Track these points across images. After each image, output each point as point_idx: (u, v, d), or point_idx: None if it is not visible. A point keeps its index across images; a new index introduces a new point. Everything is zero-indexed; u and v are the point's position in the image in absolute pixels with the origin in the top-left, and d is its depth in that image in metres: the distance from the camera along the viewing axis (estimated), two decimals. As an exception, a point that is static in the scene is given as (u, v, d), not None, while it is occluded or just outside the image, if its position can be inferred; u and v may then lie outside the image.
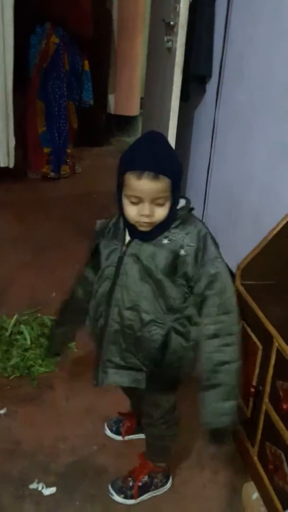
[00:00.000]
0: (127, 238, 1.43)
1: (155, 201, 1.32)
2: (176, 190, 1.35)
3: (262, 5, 2.32)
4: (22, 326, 2.39)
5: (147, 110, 3.87)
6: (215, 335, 1.37)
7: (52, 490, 1.71)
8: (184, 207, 1.41)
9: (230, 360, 1.37)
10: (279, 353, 1.51)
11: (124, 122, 5.73)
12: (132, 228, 1.39)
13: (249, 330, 1.73)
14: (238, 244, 2.47)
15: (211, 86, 2.95)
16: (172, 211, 1.37)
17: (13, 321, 2.42)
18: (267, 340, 1.58)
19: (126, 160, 1.32)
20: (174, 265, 1.38)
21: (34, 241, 3.37)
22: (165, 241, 1.39)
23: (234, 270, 1.77)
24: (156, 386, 1.50)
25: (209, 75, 2.95)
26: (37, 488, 1.71)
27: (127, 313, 1.42)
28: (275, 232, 1.71)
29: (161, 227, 1.38)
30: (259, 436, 1.67)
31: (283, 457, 1.49)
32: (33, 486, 1.71)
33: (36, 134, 4.40)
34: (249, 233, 2.40)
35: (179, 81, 2.82)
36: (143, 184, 1.29)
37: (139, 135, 4.66)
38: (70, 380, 2.14)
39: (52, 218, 3.75)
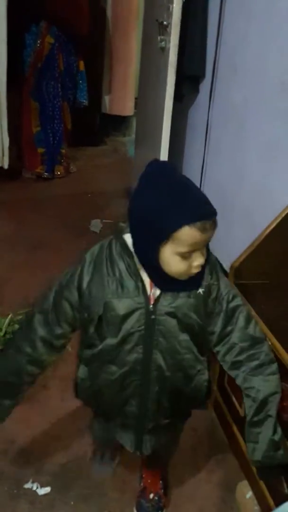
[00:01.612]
0: (148, 288, 1.21)
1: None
2: None
3: (255, 2, 2.32)
4: (16, 325, 2.39)
5: (141, 110, 3.87)
6: (260, 365, 1.31)
7: (47, 489, 1.71)
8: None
9: (277, 390, 1.32)
10: (272, 352, 1.51)
11: (119, 122, 5.72)
12: (161, 278, 1.18)
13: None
14: (231, 243, 2.47)
15: (205, 85, 2.95)
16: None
17: (7, 320, 2.42)
18: (260, 339, 1.59)
19: (179, 210, 1.06)
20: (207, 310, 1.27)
21: (29, 240, 3.36)
22: (201, 290, 1.23)
23: (227, 269, 1.77)
24: (180, 426, 1.56)
25: (202, 75, 2.95)
26: (32, 487, 1.71)
27: (171, 375, 1.29)
28: (268, 231, 1.72)
29: (202, 271, 1.21)
30: (252, 435, 1.67)
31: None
32: (27, 485, 1.71)
33: (31, 134, 4.39)
34: (242, 232, 2.41)
35: (172, 81, 2.82)
36: (206, 235, 1.10)
37: (133, 135, 4.68)
38: (64, 380, 2.14)
39: (46, 218, 3.74)
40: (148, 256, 1.15)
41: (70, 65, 4.34)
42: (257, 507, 1.64)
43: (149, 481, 1.70)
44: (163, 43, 2.86)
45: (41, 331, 1.32)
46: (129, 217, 1.16)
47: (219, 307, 1.28)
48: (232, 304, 1.30)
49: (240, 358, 1.31)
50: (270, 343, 1.52)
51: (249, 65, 2.41)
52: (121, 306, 1.21)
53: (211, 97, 2.85)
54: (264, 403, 1.30)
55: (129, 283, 1.20)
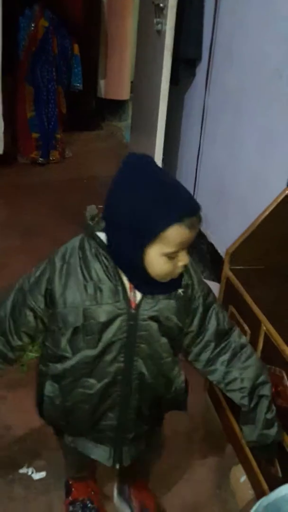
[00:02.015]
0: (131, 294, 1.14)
1: None
2: None
3: (252, -13, 2.29)
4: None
5: (137, 94, 3.84)
6: (233, 355, 1.29)
7: (42, 474, 1.72)
8: None
9: (260, 372, 1.30)
10: (266, 337, 1.52)
11: (115, 107, 5.68)
12: (142, 280, 1.12)
13: (237, 314, 1.73)
14: (228, 229, 2.47)
15: (201, 70, 2.92)
16: None
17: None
18: (255, 324, 1.59)
19: (167, 208, 1.01)
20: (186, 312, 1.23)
21: (24, 226, 3.35)
22: (180, 291, 1.18)
23: (223, 255, 1.76)
24: (159, 428, 1.46)
25: (198, 58, 2.92)
26: (27, 472, 1.71)
27: (154, 381, 1.23)
28: (263, 217, 1.71)
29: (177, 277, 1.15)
30: (247, 420, 1.68)
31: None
32: (23, 470, 1.72)
33: (25, 119, 4.35)
34: (238, 218, 2.40)
35: (168, 64, 2.80)
36: (194, 231, 1.05)
37: (129, 120, 4.64)
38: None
39: (42, 203, 3.72)
40: (132, 258, 1.07)
41: (64, 49, 4.29)
42: (251, 491, 1.65)
43: (141, 495, 1.62)
44: (159, 25, 2.82)
45: None
46: (108, 216, 1.09)
47: (195, 305, 1.23)
48: (207, 301, 1.25)
49: (214, 353, 1.29)
50: (265, 328, 1.52)
51: (246, 51, 2.38)
52: (101, 313, 1.11)
53: (207, 82, 2.82)
54: (253, 388, 1.29)
55: (108, 286, 1.11)
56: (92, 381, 1.19)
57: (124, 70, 5.42)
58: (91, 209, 3.66)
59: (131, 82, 4.93)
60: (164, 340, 1.19)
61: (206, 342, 1.27)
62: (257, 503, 0.71)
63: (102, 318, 1.12)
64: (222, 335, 1.28)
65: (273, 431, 1.31)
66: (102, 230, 1.12)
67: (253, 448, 1.38)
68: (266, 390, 1.30)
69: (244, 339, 1.32)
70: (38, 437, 1.83)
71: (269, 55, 2.15)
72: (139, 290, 1.13)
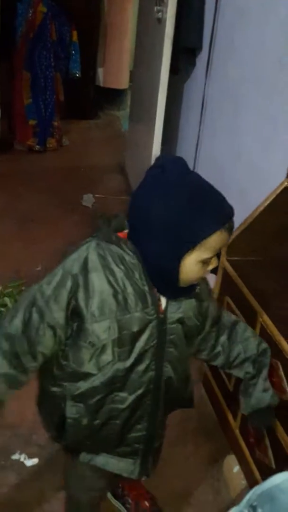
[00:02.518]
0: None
1: None
2: None
3: (255, -24, 2.27)
4: (6, 298, 2.38)
5: (136, 83, 3.82)
6: (230, 333, 1.30)
7: (34, 461, 1.72)
8: None
9: (261, 340, 1.34)
10: (263, 328, 1.52)
11: (113, 95, 5.65)
12: (170, 286, 1.08)
13: (233, 305, 1.73)
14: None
15: (201, 59, 2.90)
16: None
17: (-3, 293, 2.41)
18: (251, 316, 1.59)
19: (209, 215, 0.98)
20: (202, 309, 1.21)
21: (20, 213, 3.33)
22: (197, 288, 1.15)
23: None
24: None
25: (199, 48, 2.90)
26: (19, 459, 1.72)
27: (178, 385, 1.20)
28: (261, 208, 1.70)
29: None
30: (241, 410, 1.69)
31: (265, 430, 1.50)
32: (15, 457, 1.72)
33: (22, 106, 4.32)
34: (237, 209, 2.38)
35: (169, 53, 2.78)
36: (229, 235, 1.04)
37: (128, 109, 4.62)
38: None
39: (38, 191, 3.70)
40: (167, 266, 1.02)
41: (62, 35, 4.26)
42: (244, 481, 1.66)
43: (135, 492, 1.61)
44: (159, 14, 2.80)
45: (3, 366, 1.09)
46: (139, 223, 1.03)
47: (204, 299, 1.21)
48: (208, 293, 1.24)
49: (214, 339, 1.29)
50: (261, 319, 1.52)
51: (247, 41, 2.36)
52: (133, 322, 1.06)
53: (208, 72, 2.80)
54: (257, 356, 1.31)
55: (137, 293, 1.05)
56: (123, 394, 1.13)
57: (124, 58, 5.38)
58: (88, 198, 3.65)
59: (130, 71, 4.90)
60: (185, 341, 1.17)
61: (207, 332, 1.27)
62: (251, 492, 0.71)
63: (135, 327, 1.06)
64: (217, 320, 1.29)
65: (268, 395, 1.33)
66: (116, 231, 1.08)
67: (250, 416, 1.37)
68: (267, 358, 1.33)
69: (233, 316, 1.35)
70: (31, 425, 1.83)
71: (271, 45, 2.14)
72: (165, 296, 1.09)
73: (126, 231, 1.10)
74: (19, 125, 4.37)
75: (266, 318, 1.51)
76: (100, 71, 5.42)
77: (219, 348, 1.30)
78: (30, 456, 1.73)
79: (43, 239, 3.00)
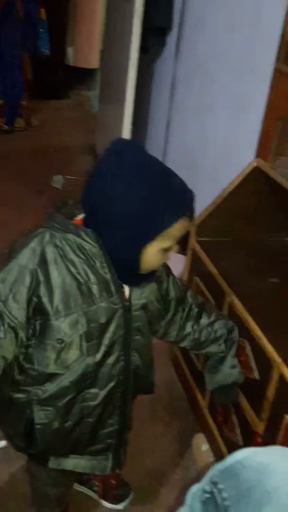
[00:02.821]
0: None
1: None
2: None
3: None
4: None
5: (105, 62, 3.76)
6: (199, 315, 1.30)
7: (3, 443, 1.70)
8: None
9: (227, 319, 1.36)
10: (230, 308, 1.53)
11: (83, 75, 5.55)
12: (131, 275, 1.05)
13: (202, 286, 1.74)
14: (197, 202, 2.45)
15: (171, 38, 2.87)
16: None
17: None
18: (219, 295, 1.60)
19: (170, 206, 0.95)
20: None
21: (-13, 196, 3.27)
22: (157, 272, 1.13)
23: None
24: None
25: (169, 27, 2.87)
26: (-11, 442, 1.70)
27: (145, 372, 1.18)
28: (230, 189, 1.71)
29: None
30: (209, 390, 1.70)
31: (232, 409, 1.52)
32: (-16, 440, 1.71)
33: None
34: (208, 190, 2.38)
35: (138, 32, 2.74)
36: (190, 221, 1.01)
37: (97, 89, 4.55)
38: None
39: (6, 173, 3.63)
40: (128, 255, 0.99)
41: (30, 13, 4.15)
42: (212, 459, 1.68)
43: (102, 478, 1.60)
44: (129, -9, 2.75)
45: None
46: (98, 211, 0.98)
47: (163, 280, 1.20)
48: (167, 273, 1.22)
49: (182, 321, 1.28)
50: (229, 299, 1.53)
51: (216, 20, 2.34)
52: (100, 313, 1.02)
53: (177, 51, 2.78)
54: (227, 334, 1.33)
55: (99, 282, 1.01)
56: (94, 390, 1.09)
57: (94, 37, 5.28)
58: (58, 179, 3.61)
59: (101, 51, 4.82)
60: (149, 327, 1.15)
61: (173, 314, 1.26)
62: (213, 468, 0.72)
63: (102, 319, 1.02)
64: (182, 301, 1.28)
65: (236, 371, 1.35)
66: (68, 218, 1.03)
67: (215, 391, 1.39)
68: (235, 336, 1.36)
69: (198, 297, 1.34)
70: None
71: (240, 23, 2.12)
72: (127, 283, 1.06)
73: (79, 217, 1.05)
74: None
75: (233, 297, 1.51)
76: (70, 50, 5.31)
77: (188, 329, 1.30)
78: (0, 439, 1.71)
79: (12, 222, 2.95)
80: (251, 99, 2.04)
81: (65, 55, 5.30)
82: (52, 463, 1.18)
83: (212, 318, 1.32)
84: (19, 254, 0.99)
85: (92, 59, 5.41)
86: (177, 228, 0.97)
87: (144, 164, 0.97)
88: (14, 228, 2.91)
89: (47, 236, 1.00)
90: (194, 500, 0.73)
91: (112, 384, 1.10)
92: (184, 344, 1.33)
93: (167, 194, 0.95)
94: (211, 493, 0.70)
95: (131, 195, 0.94)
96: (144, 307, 1.10)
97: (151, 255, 0.99)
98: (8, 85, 4.22)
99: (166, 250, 1.00)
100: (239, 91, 2.15)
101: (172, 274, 1.25)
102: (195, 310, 1.30)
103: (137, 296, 1.08)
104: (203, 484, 0.72)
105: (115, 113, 3.20)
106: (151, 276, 1.10)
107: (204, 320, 1.30)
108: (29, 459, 1.27)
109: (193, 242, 1.81)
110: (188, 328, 1.29)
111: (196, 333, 1.30)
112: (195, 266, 1.81)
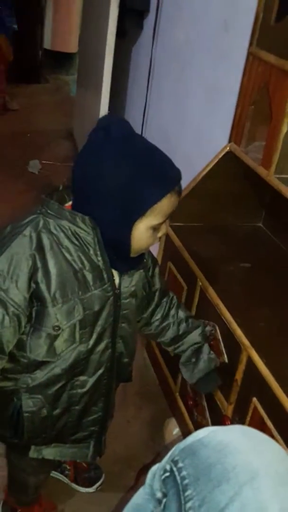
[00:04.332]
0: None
1: None
2: None
3: None
4: None
5: (83, 46, 3.71)
6: (178, 308, 1.31)
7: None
8: None
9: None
10: (202, 292, 1.53)
11: (62, 59, 5.50)
12: (122, 258, 1.04)
13: (175, 271, 1.74)
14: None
15: (149, 22, 2.84)
16: None
17: None
18: (191, 280, 1.60)
19: (158, 179, 0.95)
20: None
21: None
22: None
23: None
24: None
25: (146, 10, 2.83)
26: None
27: (128, 360, 1.20)
28: (203, 174, 1.70)
29: None
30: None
31: (202, 393, 1.53)
32: None
33: None
34: (184, 176, 2.39)
35: (115, 15, 2.71)
36: (180, 197, 1.01)
37: (76, 74, 4.51)
38: None
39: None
40: (118, 234, 0.98)
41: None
42: (183, 443, 1.69)
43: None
44: (106, -27, 2.71)
45: None
46: (86, 191, 0.97)
47: (149, 268, 1.19)
48: (153, 263, 1.22)
49: (165, 312, 1.29)
50: (201, 284, 1.53)
51: (193, 3, 2.32)
52: (94, 301, 1.02)
53: (155, 35, 2.74)
54: (203, 326, 1.34)
55: (93, 270, 1.00)
56: (83, 378, 1.09)
57: (72, 21, 5.23)
58: (34, 164, 3.57)
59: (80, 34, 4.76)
60: (136, 315, 1.16)
61: (156, 304, 1.26)
62: (174, 447, 0.72)
63: (96, 306, 1.02)
64: (165, 292, 1.28)
65: (213, 355, 1.34)
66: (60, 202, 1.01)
67: (198, 381, 1.35)
68: (208, 325, 1.38)
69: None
70: None
71: (217, 6, 2.10)
72: (118, 269, 1.05)
73: (69, 203, 1.04)
74: None
75: (205, 282, 1.51)
76: (48, 33, 5.25)
77: (169, 320, 1.29)
78: None
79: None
80: (225, 84, 2.03)
81: (43, 39, 5.23)
82: (33, 453, 1.17)
83: (189, 313, 1.34)
84: (13, 242, 0.96)
85: (70, 43, 5.36)
86: (166, 204, 0.97)
87: (131, 139, 0.97)
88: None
89: (41, 223, 0.98)
90: (154, 479, 0.73)
91: (100, 371, 1.10)
92: (164, 337, 1.32)
93: (154, 170, 0.95)
94: (171, 471, 0.70)
95: (119, 170, 0.93)
96: (133, 294, 1.10)
97: (141, 233, 0.98)
98: None
99: (155, 229, 0.99)
100: (214, 76, 2.14)
101: (158, 265, 1.25)
102: (176, 302, 1.31)
103: (126, 284, 1.08)
104: (164, 463, 0.72)
105: (92, 97, 3.17)
106: (140, 261, 1.09)
107: (182, 313, 1.31)
108: (10, 449, 1.26)
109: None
110: (170, 319, 1.30)
111: (175, 324, 1.30)
112: (168, 251, 1.80)
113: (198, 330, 1.32)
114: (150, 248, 1.10)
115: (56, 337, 1.01)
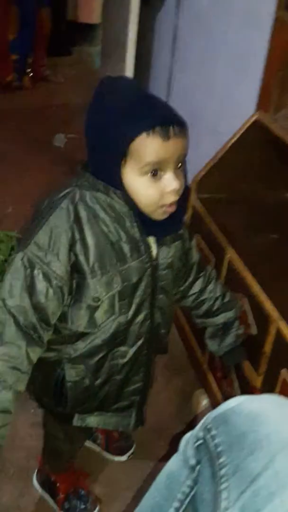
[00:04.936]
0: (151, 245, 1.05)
1: (179, 166, 0.96)
2: None
3: None
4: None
5: (107, 16, 3.65)
6: (216, 281, 1.31)
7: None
8: None
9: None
10: (230, 264, 1.52)
11: (86, 31, 5.41)
12: (148, 222, 1.01)
13: (202, 243, 1.72)
14: (200, 157, 2.41)
15: (173, -12, 2.77)
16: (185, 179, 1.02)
17: None
18: (218, 252, 1.59)
19: (134, 116, 0.91)
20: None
21: (-13, 154, 3.23)
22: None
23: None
24: None
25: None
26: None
27: (164, 331, 1.19)
28: (231, 143, 1.68)
29: (182, 208, 1.04)
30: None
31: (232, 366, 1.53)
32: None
33: (6, 41, 4.12)
34: (209, 145, 2.35)
35: (138, -20, 2.65)
36: (173, 145, 0.92)
37: (99, 45, 4.45)
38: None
39: (7, 130, 3.58)
40: (113, 182, 0.96)
41: None
42: (212, 413, 1.70)
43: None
44: None
45: (22, 344, 0.97)
46: (87, 141, 0.98)
47: (185, 239, 1.17)
48: (189, 235, 1.21)
49: (203, 285, 1.28)
50: (228, 255, 1.53)
51: None
52: (132, 272, 1.01)
53: (179, 2, 2.69)
54: (234, 306, 1.33)
55: (130, 242, 1.00)
56: (124, 348, 1.09)
57: (95, -9, 5.13)
58: (59, 138, 3.56)
59: (103, 5, 4.69)
60: (173, 285, 1.15)
61: (194, 277, 1.26)
62: (207, 415, 0.73)
63: (134, 278, 1.02)
64: (202, 266, 1.27)
65: (242, 329, 1.35)
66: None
67: (226, 354, 1.37)
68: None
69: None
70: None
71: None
72: (154, 234, 1.03)
73: None
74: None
75: (233, 253, 1.51)
76: (71, 4, 5.17)
77: (206, 295, 1.29)
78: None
79: (12, 180, 2.93)
80: (252, 50, 1.98)
81: (66, 10, 5.16)
82: (77, 421, 1.19)
83: (226, 288, 1.33)
84: (51, 216, 0.97)
85: (93, 14, 5.25)
86: (143, 145, 0.91)
87: (118, 87, 0.98)
88: (14, 185, 2.91)
89: (77, 195, 0.98)
90: (187, 447, 0.74)
91: (140, 342, 1.11)
92: (198, 310, 1.32)
93: (131, 108, 0.92)
94: (204, 439, 0.71)
95: (100, 114, 0.94)
96: (170, 266, 1.09)
97: (134, 180, 0.94)
98: (26, 41, 4.20)
99: (153, 179, 0.94)
100: (240, 42, 2.09)
101: (193, 238, 1.24)
102: (214, 277, 1.30)
103: (164, 255, 1.07)
104: (197, 431, 0.73)
105: (116, 67, 3.12)
106: (175, 225, 1.06)
107: (219, 288, 1.30)
108: (54, 418, 1.28)
109: (193, 199, 1.79)
110: (206, 294, 1.29)
111: (211, 300, 1.29)
112: (195, 223, 1.79)
113: (232, 312, 1.32)
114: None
115: (96, 308, 1.02)
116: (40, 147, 3.38)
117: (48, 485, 1.48)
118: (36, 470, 1.51)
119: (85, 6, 5.18)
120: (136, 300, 1.05)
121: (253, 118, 1.60)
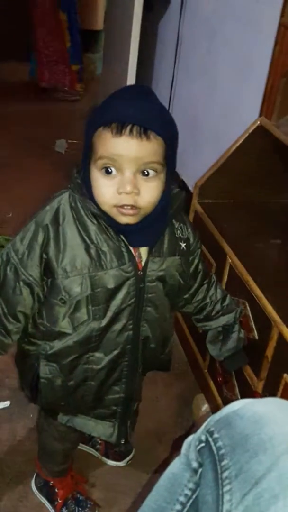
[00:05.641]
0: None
1: (143, 171, 0.93)
2: (171, 161, 0.97)
3: None
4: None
5: (109, 23, 3.67)
6: (216, 287, 1.30)
7: (6, 403, 1.73)
8: (178, 193, 1.07)
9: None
10: (231, 269, 1.52)
11: (88, 37, 5.43)
12: (122, 229, 1.00)
13: (204, 248, 1.72)
14: (201, 163, 2.42)
15: (176, -5, 2.79)
16: (168, 192, 1.00)
17: None
18: (221, 257, 1.58)
19: (99, 111, 0.93)
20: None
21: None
22: (183, 245, 1.10)
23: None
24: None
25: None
26: (-10, 402, 1.73)
27: (155, 346, 1.16)
28: (233, 149, 1.67)
29: (161, 220, 1.02)
30: (210, 351, 1.71)
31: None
32: (-14, 400, 1.73)
33: (64, 50, 4.19)
34: (210, 151, 2.35)
35: (142, -13, 2.66)
36: (124, 143, 0.89)
37: (101, 52, 4.48)
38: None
39: (10, 135, 3.60)
40: (85, 179, 0.97)
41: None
42: (212, 419, 1.69)
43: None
44: None
45: None
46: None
47: (193, 256, 1.17)
48: (199, 250, 1.20)
49: (204, 293, 1.27)
50: (230, 260, 1.52)
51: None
52: (108, 279, 1.00)
53: (182, 8, 2.70)
54: (234, 310, 1.32)
55: (111, 249, 1.00)
56: (98, 355, 1.09)
57: (98, -2, 5.16)
58: (61, 144, 3.57)
59: (105, 12, 4.71)
60: (166, 300, 1.12)
61: (198, 285, 1.25)
62: (209, 418, 0.72)
63: (110, 284, 1.01)
64: (207, 274, 1.27)
65: (243, 334, 1.34)
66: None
67: (227, 359, 1.36)
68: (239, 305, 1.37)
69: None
70: (3, 367, 1.84)
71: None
72: (134, 244, 1.02)
73: None
74: (64, 73, 4.29)
75: (235, 258, 1.50)
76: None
77: (207, 300, 1.28)
78: (2, 399, 1.74)
79: (14, 185, 2.94)
80: (256, 56, 1.99)
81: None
82: (61, 418, 1.22)
83: (225, 292, 1.32)
84: (38, 215, 1.02)
85: (96, 21, 5.29)
86: (97, 141, 0.92)
87: (125, 88, 1.01)
88: (17, 192, 2.92)
89: (65, 196, 1.01)
90: (189, 450, 0.74)
91: (116, 351, 1.10)
92: (199, 315, 1.31)
93: (107, 104, 0.94)
94: (207, 442, 0.70)
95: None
96: (161, 279, 1.07)
97: (93, 175, 0.95)
98: (78, 48, 4.34)
99: (108, 176, 0.93)
100: (243, 48, 2.10)
101: (201, 247, 1.23)
102: (214, 281, 1.30)
103: (154, 267, 1.05)
104: (199, 433, 0.73)
105: (118, 74, 3.13)
106: (154, 233, 1.03)
107: (219, 292, 1.29)
108: (41, 409, 1.32)
109: (195, 204, 1.79)
110: (208, 298, 1.28)
111: (212, 304, 1.29)
112: (197, 228, 1.77)
113: (232, 314, 1.31)
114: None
115: (68, 309, 1.03)
116: (41, 152, 3.40)
117: (46, 490, 1.47)
118: (35, 475, 1.50)
119: (88, 12, 5.21)
120: (113, 308, 1.04)
121: (256, 124, 1.61)
